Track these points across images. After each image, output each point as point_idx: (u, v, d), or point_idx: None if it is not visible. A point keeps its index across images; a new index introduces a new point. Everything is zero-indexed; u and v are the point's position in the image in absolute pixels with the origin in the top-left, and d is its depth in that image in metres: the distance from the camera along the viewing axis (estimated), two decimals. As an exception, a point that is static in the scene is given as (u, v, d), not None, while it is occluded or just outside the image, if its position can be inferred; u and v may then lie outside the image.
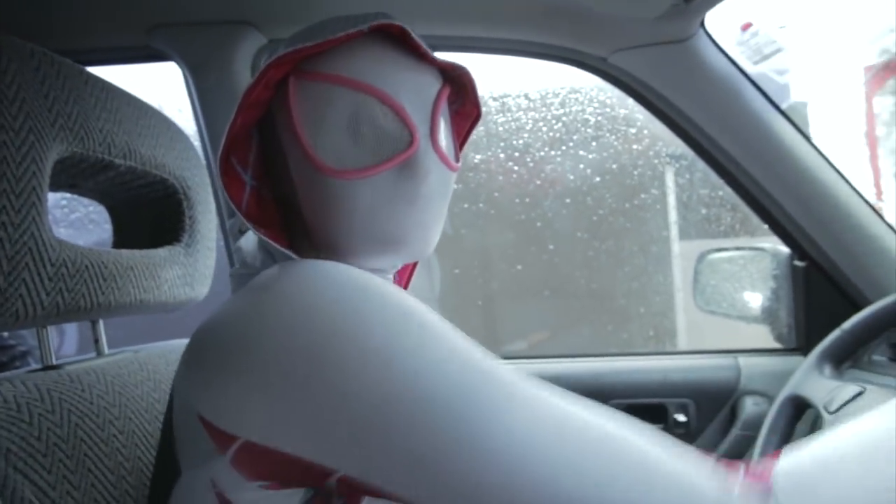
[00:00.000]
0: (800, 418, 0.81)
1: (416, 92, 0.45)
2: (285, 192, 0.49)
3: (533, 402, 0.34)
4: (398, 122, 0.44)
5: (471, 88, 0.51)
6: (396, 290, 0.38)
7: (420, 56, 0.46)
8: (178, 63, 0.95)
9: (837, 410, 0.73)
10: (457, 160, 0.51)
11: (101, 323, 0.64)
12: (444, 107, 0.48)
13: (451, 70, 0.48)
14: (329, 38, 0.43)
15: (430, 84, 0.46)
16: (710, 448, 1.10)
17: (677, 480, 0.33)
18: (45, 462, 0.44)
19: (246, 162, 0.49)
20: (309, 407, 0.33)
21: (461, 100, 0.52)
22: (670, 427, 1.10)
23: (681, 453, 0.35)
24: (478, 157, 1.63)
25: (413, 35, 0.45)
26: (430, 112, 0.46)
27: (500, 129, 1.60)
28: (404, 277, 0.58)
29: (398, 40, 0.46)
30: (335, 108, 0.44)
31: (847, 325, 0.80)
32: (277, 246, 0.45)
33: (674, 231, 1.82)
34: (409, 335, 0.35)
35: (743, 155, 0.97)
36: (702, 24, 0.90)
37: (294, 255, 0.45)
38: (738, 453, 1.07)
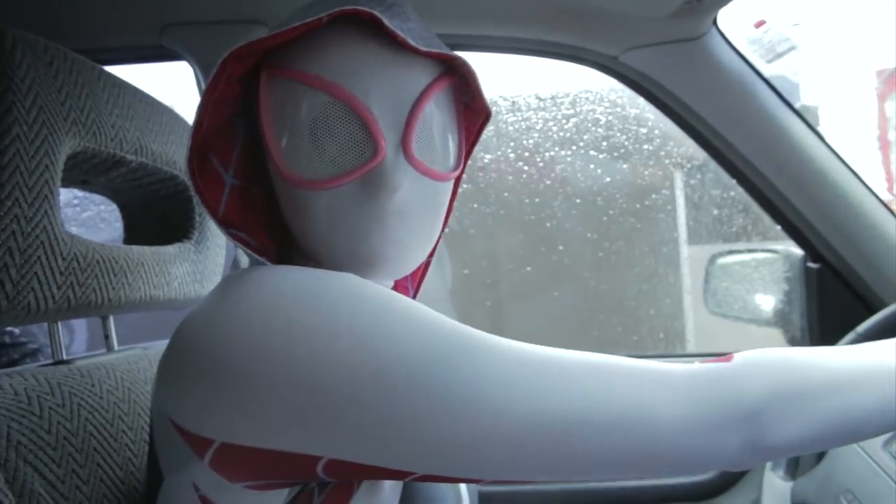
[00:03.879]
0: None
1: (390, 91, 0.40)
2: (272, 191, 0.46)
3: (498, 348, 0.35)
4: (362, 128, 0.39)
5: (472, 82, 0.44)
6: (358, 280, 0.37)
7: (403, 47, 0.40)
8: (190, 62, 0.96)
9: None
10: (459, 163, 0.45)
11: (111, 319, 0.64)
12: (434, 103, 0.41)
13: (446, 60, 0.42)
14: (284, 28, 0.38)
15: (412, 80, 0.40)
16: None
17: (649, 368, 0.37)
18: (55, 455, 0.44)
19: (228, 160, 0.46)
20: (279, 400, 0.33)
21: (472, 94, 0.46)
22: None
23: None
24: (488, 156, 1.62)
25: (386, 23, 0.38)
26: (407, 115, 0.40)
27: (511, 128, 1.59)
28: (416, 279, 0.56)
29: (376, 30, 0.40)
30: (298, 109, 0.40)
31: (861, 328, 0.79)
32: (247, 250, 0.43)
33: (683, 233, 1.81)
34: (367, 315, 0.34)
35: (756, 155, 0.96)
36: (714, 23, 0.89)
37: (265, 261, 0.43)
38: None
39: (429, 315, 0.36)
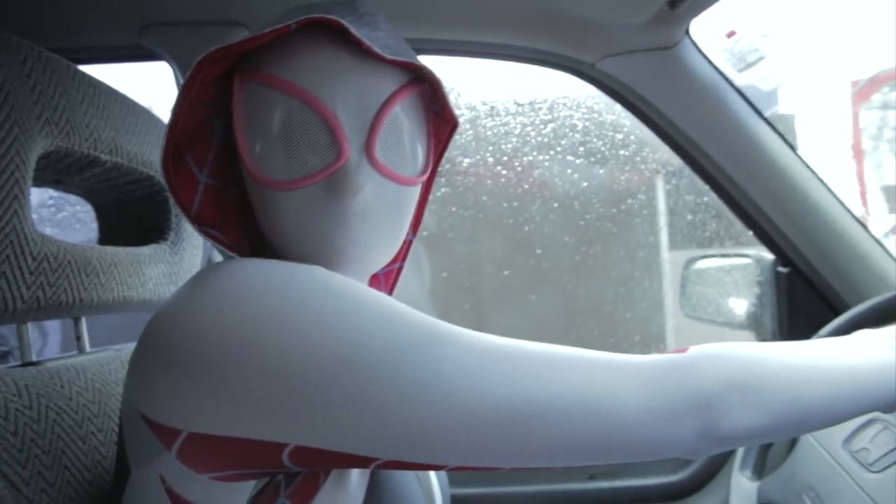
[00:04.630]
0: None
1: (355, 97, 0.41)
2: (246, 191, 0.47)
3: (463, 337, 0.37)
4: (328, 132, 0.40)
5: (438, 90, 0.45)
6: (327, 272, 0.38)
7: (370, 56, 0.41)
8: (169, 62, 0.95)
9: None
10: (426, 168, 0.46)
11: (83, 320, 0.63)
12: (399, 109, 0.43)
13: (411, 69, 0.44)
14: (257, 33, 0.40)
15: (378, 87, 0.42)
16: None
17: (607, 358, 0.38)
18: (21, 457, 0.44)
19: (203, 160, 0.47)
20: (248, 387, 0.33)
21: (439, 102, 0.48)
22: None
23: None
24: (466, 160, 1.63)
25: (353, 32, 0.40)
26: (371, 120, 0.41)
27: (489, 132, 1.61)
28: (389, 283, 0.57)
29: (346, 39, 0.41)
30: (268, 112, 0.41)
31: (824, 331, 0.81)
32: (220, 247, 0.44)
33: (664, 237, 1.84)
34: (335, 303, 0.35)
35: (727, 161, 0.98)
36: (687, 32, 0.91)
37: (237, 257, 0.43)
38: (722, 457, 1.08)
39: (395, 305, 0.37)
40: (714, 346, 0.40)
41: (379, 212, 0.43)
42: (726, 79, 0.95)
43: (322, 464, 0.36)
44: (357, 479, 0.43)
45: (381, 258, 0.45)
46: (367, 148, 0.41)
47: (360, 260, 0.43)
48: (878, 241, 0.99)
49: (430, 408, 0.34)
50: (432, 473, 0.54)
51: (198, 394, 0.34)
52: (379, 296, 0.38)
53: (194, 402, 0.34)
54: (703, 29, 0.92)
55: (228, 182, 0.49)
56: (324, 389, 0.34)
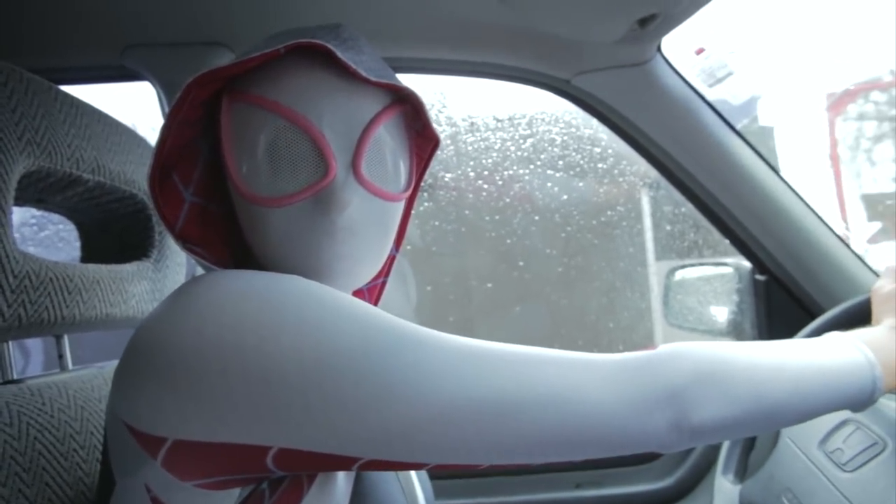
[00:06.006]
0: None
1: (341, 117, 0.43)
2: (231, 209, 0.48)
3: (437, 339, 0.38)
4: (315, 150, 0.42)
5: (421, 111, 0.47)
6: (305, 281, 0.39)
7: (355, 78, 0.43)
8: (152, 82, 0.96)
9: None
10: (409, 185, 0.48)
11: (65, 338, 0.63)
12: (384, 129, 0.45)
13: (394, 91, 0.46)
14: (245, 58, 0.42)
15: (363, 107, 0.43)
16: (679, 459, 1.12)
17: (578, 356, 0.40)
18: (0, 476, 0.44)
19: (189, 178, 0.49)
20: (230, 391, 0.34)
21: (421, 122, 0.50)
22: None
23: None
24: (448, 175, 1.66)
25: (338, 55, 0.42)
26: (357, 138, 0.43)
27: (470, 147, 1.63)
28: (374, 296, 0.58)
29: (331, 60, 0.43)
30: (257, 132, 0.43)
31: (799, 335, 0.83)
32: (204, 262, 0.46)
33: (649, 245, 1.87)
34: (314, 308, 0.36)
35: (702, 173, 1.01)
36: (659, 49, 0.94)
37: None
38: (707, 463, 1.09)
39: (371, 309, 0.39)
40: (683, 343, 0.42)
41: (365, 227, 0.44)
42: (698, 93, 0.98)
43: (306, 466, 0.37)
44: (342, 488, 0.43)
45: (368, 272, 0.46)
46: (354, 165, 0.43)
47: (347, 274, 0.44)
48: (848, 246, 1.01)
49: (407, 406, 0.35)
50: (417, 484, 0.54)
51: (182, 401, 0.35)
52: (356, 301, 0.39)
53: (178, 410, 0.35)
54: (676, 46, 0.95)
55: (212, 201, 0.50)
56: (304, 391, 0.35)
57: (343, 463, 0.36)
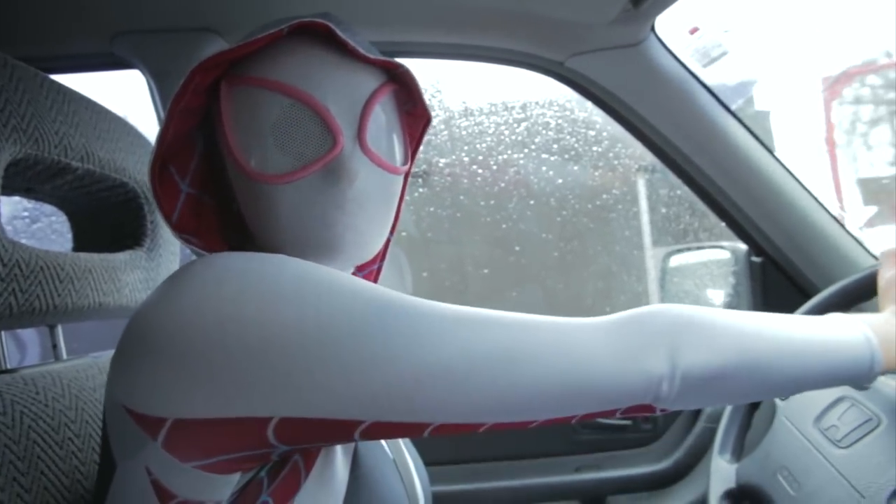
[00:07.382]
0: (757, 407, 0.84)
1: (344, 92, 0.44)
2: (228, 198, 0.49)
3: (433, 305, 0.39)
4: (321, 124, 0.44)
5: (414, 89, 0.49)
6: (301, 261, 0.39)
7: (353, 55, 0.45)
8: (142, 70, 0.95)
9: (788, 396, 0.77)
10: (406, 161, 0.50)
11: (59, 328, 0.63)
12: (380, 106, 0.46)
13: (390, 68, 0.47)
14: (249, 40, 0.43)
15: (363, 83, 0.45)
16: (677, 441, 1.13)
17: (569, 319, 0.41)
18: None
19: (185, 170, 0.49)
20: (231, 363, 0.34)
21: (413, 101, 0.51)
22: (638, 422, 1.13)
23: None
24: (443, 160, 1.65)
25: (339, 33, 0.43)
26: (360, 112, 0.45)
27: (464, 132, 1.63)
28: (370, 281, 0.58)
29: (329, 40, 0.45)
30: (261, 111, 0.44)
31: (797, 314, 0.83)
32: (198, 250, 0.46)
33: (646, 228, 1.86)
34: (312, 279, 0.37)
35: (697, 155, 1.01)
36: (652, 29, 0.93)
37: None
38: (704, 444, 1.10)
39: (365, 282, 0.40)
40: (670, 304, 0.44)
41: (372, 199, 0.46)
42: (692, 73, 0.97)
43: (308, 437, 0.37)
44: (340, 475, 0.43)
45: (374, 245, 0.48)
46: (360, 137, 0.45)
47: (355, 245, 0.46)
48: (844, 228, 1.01)
49: (408, 364, 0.36)
50: (413, 469, 0.55)
51: (181, 378, 0.35)
52: (352, 276, 0.40)
53: (178, 388, 0.35)
54: (670, 26, 0.94)
55: (205, 192, 0.51)
56: (305, 356, 0.35)
57: (345, 429, 0.36)
